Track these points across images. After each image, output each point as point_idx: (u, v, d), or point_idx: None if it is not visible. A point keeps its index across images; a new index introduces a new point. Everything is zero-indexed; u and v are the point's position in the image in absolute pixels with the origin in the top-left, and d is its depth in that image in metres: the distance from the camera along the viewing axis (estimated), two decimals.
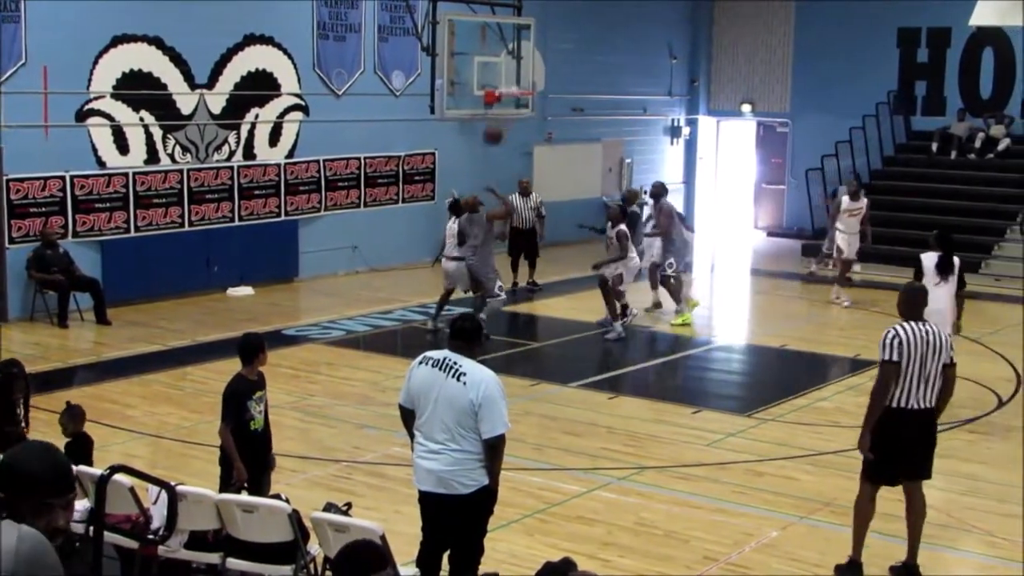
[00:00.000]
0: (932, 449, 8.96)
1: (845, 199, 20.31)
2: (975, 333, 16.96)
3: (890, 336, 8.67)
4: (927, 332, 8.68)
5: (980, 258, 23.46)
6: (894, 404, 8.70)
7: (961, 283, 13.44)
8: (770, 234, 29.56)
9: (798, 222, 28.46)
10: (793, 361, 16.63)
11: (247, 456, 8.79)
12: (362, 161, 22.17)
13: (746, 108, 30.18)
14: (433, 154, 23.48)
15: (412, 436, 7.69)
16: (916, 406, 8.68)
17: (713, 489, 11.01)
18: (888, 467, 8.90)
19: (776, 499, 10.78)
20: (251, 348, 8.96)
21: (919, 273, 13.20)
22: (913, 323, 8.72)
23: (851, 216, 20.10)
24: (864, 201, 20.30)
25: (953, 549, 9.85)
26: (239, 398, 8.81)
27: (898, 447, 8.80)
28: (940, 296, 12.67)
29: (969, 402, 14.06)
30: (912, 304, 8.90)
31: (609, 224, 17.62)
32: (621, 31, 27.46)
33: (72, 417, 9.20)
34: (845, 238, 20.19)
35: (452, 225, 17.36)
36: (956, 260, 13.31)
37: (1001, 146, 26.07)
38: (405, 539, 8.09)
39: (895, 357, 8.61)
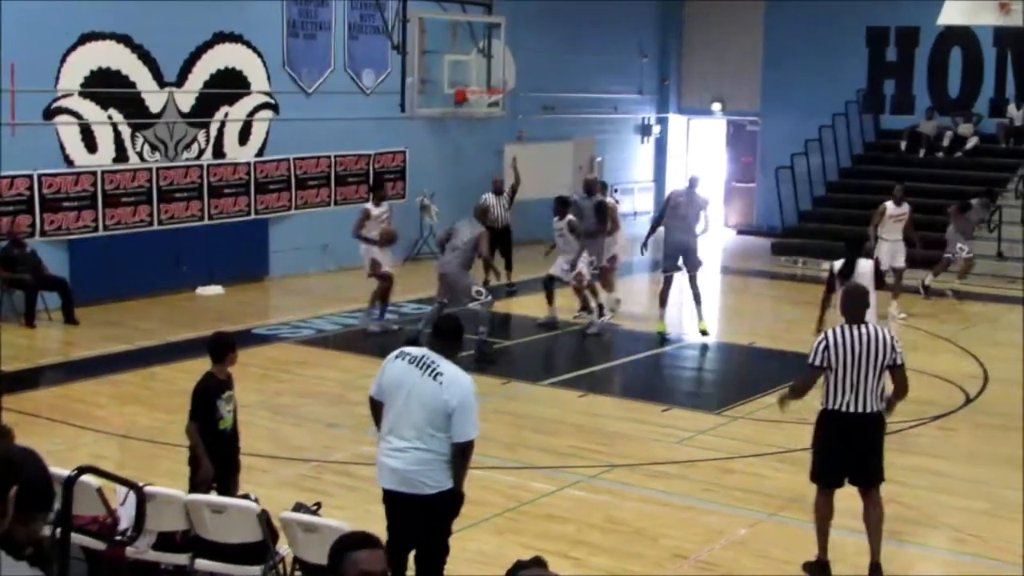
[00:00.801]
0: (875, 454, 8.86)
1: (889, 204, 19.16)
2: (944, 331, 17.05)
3: (818, 341, 8.82)
4: (863, 335, 8.63)
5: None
6: (829, 406, 8.74)
7: (880, 284, 13.29)
8: (740, 232, 29.65)
9: (768, 220, 28.55)
10: (762, 359, 16.69)
11: (216, 455, 8.77)
12: (332, 160, 22.12)
13: (716, 107, 30.25)
14: (404, 152, 23.45)
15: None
16: (851, 410, 8.64)
17: (683, 487, 11.04)
18: (831, 469, 8.90)
19: (745, 496, 10.81)
20: (221, 346, 8.96)
21: (832, 281, 13.08)
22: (850, 326, 8.72)
23: (896, 222, 19.07)
24: (907, 206, 19.30)
25: (920, 545, 9.91)
26: (209, 396, 8.80)
27: (837, 449, 8.81)
28: None
29: (937, 399, 14.15)
30: (847, 306, 8.93)
31: (556, 218, 17.69)
32: (591, 30, 27.47)
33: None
34: (889, 246, 18.97)
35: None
36: (867, 263, 13.12)
37: (969, 144, 26.24)
38: None
39: (818, 362, 8.72)
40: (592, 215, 17.91)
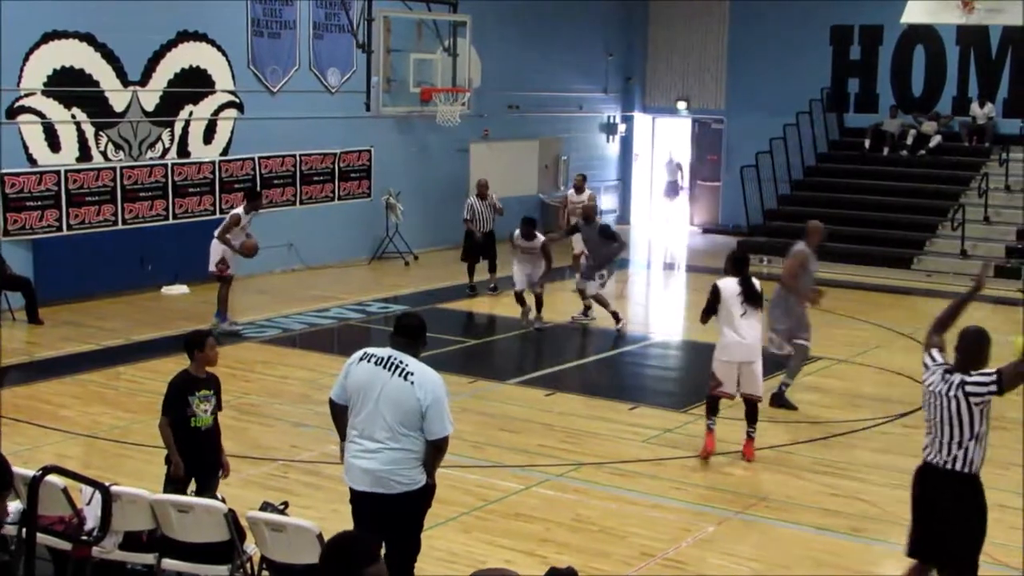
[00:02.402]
0: (959, 524, 7.50)
1: None
2: (908, 328, 17.13)
3: (938, 360, 7.53)
4: (958, 389, 7.34)
5: (912, 254, 23.78)
6: (924, 458, 7.60)
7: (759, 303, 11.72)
8: (706, 231, 29.75)
9: (733, 219, 28.64)
10: None
11: (190, 454, 8.77)
12: (297, 159, 22.05)
13: (681, 105, 30.33)
14: (369, 151, 23.41)
15: (343, 433, 7.60)
16: (940, 465, 7.47)
17: (650, 485, 11.06)
18: (915, 533, 7.69)
19: (712, 494, 10.85)
20: (189, 344, 8.97)
21: (715, 303, 11.69)
22: (960, 375, 7.37)
23: None
24: None
25: (884, 542, 9.94)
26: (180, 392, 8.82)
27: (921, 508, 7.65)
28: (751, 328, 11.61)
29: (900, 396, 14.24)
30: (967, 350, 7.45)
31: (522, 238, 17.95)
32: (557, 28, 27.52)
33: None
34: None
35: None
36: (758, 284, 11.71)
37: (933, 143, 26.40)
38: None
39: (929, 363, 7.55)
40: (599, 240, 17.63)
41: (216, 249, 16.78)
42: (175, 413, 8.78)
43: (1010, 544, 9.71)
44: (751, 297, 11.62)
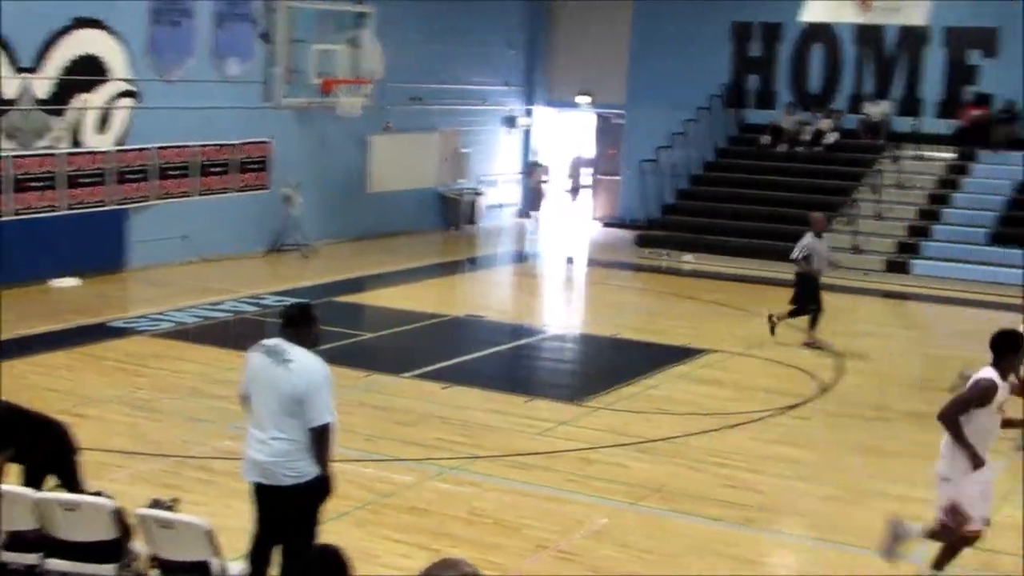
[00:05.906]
0: None
1: None
2: (800, 322, 17.33)
3: None
4: None
5: None
6: None
7: None
8: (606, 224, 29.88)
9: (632, 213, 28.76)
10: (624, 350, 16.83)
11: None
12: (195, 149, 21.75)
13: (583, 99, 30.39)
14: (268, 143, 23.16)
15: None
16: None
17: (545, 477, 11.09)
18: None
19: (606, 486, 10.90)
20: None
21: None
22: None
23: None
24: None
25: (774, 532, 10.07)
26: None
27: None
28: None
29: (792, 388, 14.44)
30: None
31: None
32: (461, 22, 27.43)
33: None
34: None
35: None
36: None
37: (830, 139, 26.73)
38: (235, 534, 7.96)
39: None
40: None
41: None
42: None
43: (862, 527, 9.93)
44: None
